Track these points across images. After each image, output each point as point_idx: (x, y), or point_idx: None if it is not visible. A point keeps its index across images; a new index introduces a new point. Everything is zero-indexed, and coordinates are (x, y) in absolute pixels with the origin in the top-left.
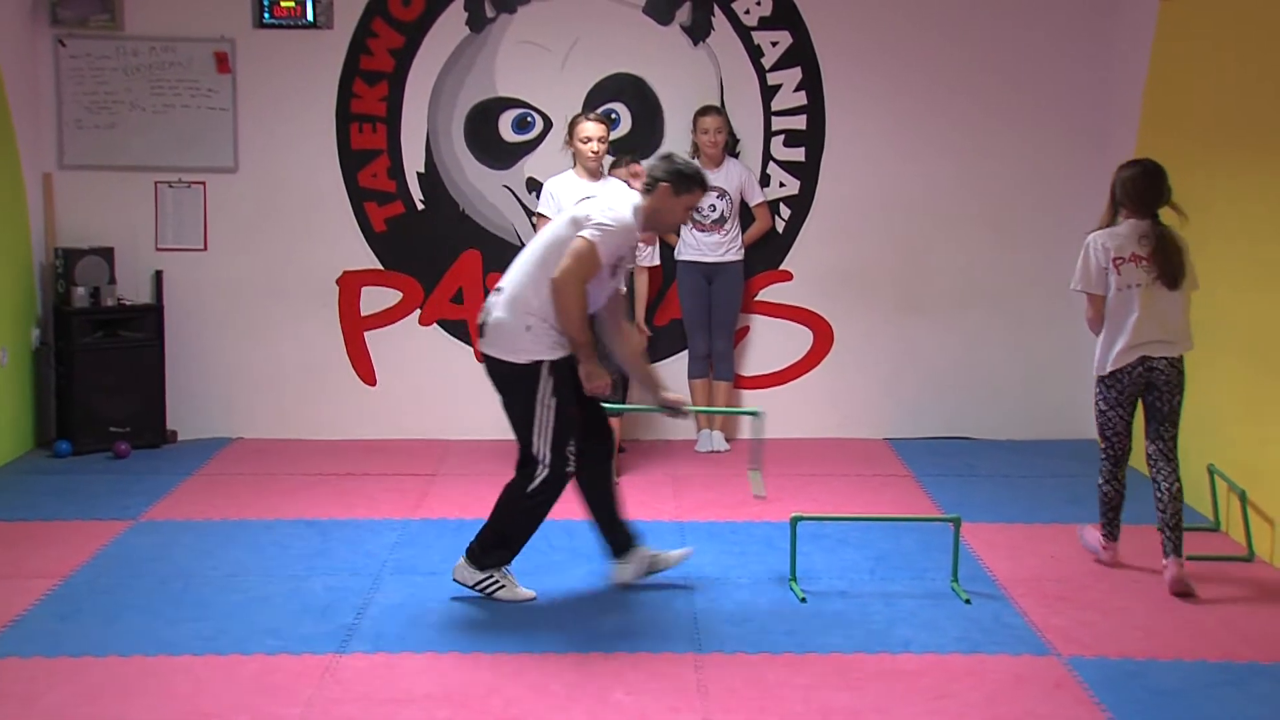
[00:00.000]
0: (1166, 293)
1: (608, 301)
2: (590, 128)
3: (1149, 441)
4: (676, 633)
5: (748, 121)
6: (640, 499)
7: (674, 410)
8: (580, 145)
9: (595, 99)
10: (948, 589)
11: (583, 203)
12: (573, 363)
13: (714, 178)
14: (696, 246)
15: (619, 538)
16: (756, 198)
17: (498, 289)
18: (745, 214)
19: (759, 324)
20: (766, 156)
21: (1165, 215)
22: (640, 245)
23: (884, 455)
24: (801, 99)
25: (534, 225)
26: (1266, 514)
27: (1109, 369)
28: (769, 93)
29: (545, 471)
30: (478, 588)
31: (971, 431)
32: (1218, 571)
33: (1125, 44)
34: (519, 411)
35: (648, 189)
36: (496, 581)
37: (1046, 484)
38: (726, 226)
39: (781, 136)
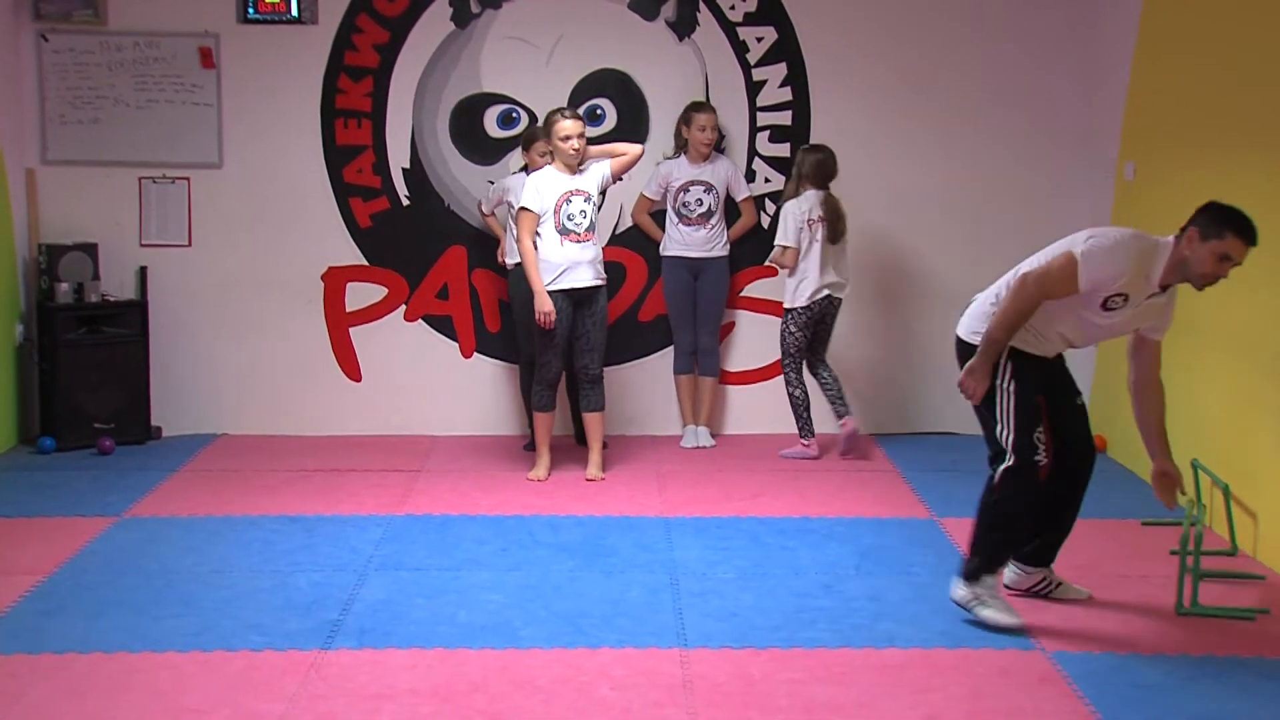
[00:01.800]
0: (832, 246)
1: (1143, 358)
2: (569, 125)
3: (813, 355)
4: (662, 628)
5: (733, 117)
6: (625, 494)
7: (1164, 489)
8: (560, 143)
9: (580, 94)
10: (933, 582)
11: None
12: (1038, 365)
13: (701, 172)
14: (682, 241)
15: (1041, 549)
16: (742, 193)
17: None
18: (731, 210)
19: (744, 320)
20: (752, 152)
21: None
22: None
23: (869, 451)
24: (787, 95)
25: (486, 215)
26: (1249, 508)
27: (803, 303)
28: (754, 88)
29: (1011, 460)
30: (964, 605)
31: (956, 427)
32: (1201, 565)
33: (1108, 45)
34: (981, 400)
35: (1179, 234)
36: (979, 599)
37: None
38: (712, 221)
39: (767, 132)
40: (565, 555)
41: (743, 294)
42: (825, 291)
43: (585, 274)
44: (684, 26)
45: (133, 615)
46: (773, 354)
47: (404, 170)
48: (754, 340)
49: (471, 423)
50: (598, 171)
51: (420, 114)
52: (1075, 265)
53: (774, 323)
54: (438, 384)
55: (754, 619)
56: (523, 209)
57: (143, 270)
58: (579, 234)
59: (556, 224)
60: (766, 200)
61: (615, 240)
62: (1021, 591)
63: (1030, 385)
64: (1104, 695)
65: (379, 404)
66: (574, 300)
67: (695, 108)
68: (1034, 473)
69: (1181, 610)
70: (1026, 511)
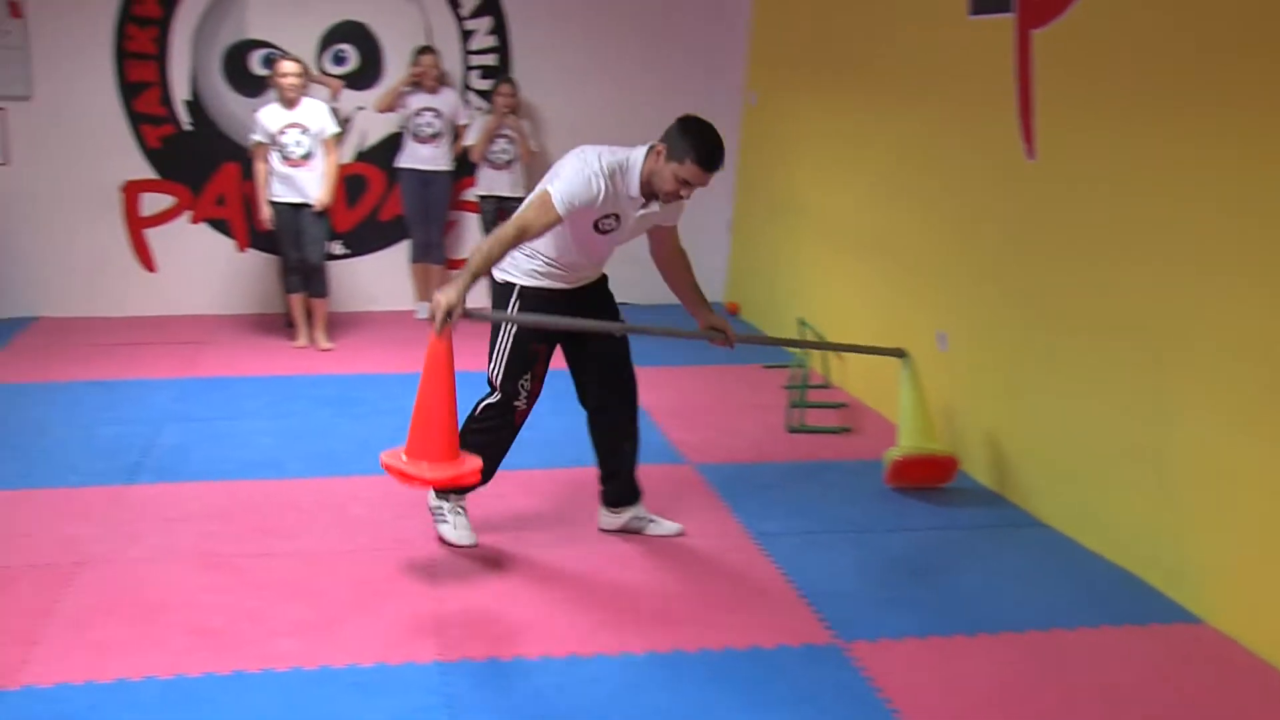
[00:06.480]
0: None
1: (658, 240)
2: (286, 65)
3: None
4: None
5: (450, 59)
6: (370, 356)
7: (717, 338)
8: (280, 80)
9: (329, 41)
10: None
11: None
12: (552, 298)
13: (431, 100)
14: (415, 156)
15: (611, 491)
16: (463, 120)
17: None
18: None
19: (467, 219)
20: (465, 86)
21: None
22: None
23: None
24: (493, 41)
25: (250, 153)
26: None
27: None
28: (466, 36)
29: (494, 396)
30: (431, 512)
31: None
32: (805, 396)
33: None
34: (491, 331)
35: (653, 144)
36: (442, 515)
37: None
38: (440, 141)
39: (477, 71)
40: (323, 406)
41: (465, 197)
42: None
43: (296, 193)
44: None
45: None
46: None
47: (186, 102)
48: (476, 234)
49: (246, 303)
50: (319, 103)
51: (198, 56)
52: (550, 200)
53: None
54: (218, 273)
55: None
56: (254, 142)
57: None
58: (295, 159)
59: (279, 149)
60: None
61: (360, 157)
62: (615, 531)
63: (531, 332)
64: (734, 493)
65: (170, 290)
66: (295, 208)
67: (421, 50)
68: (511, 415)
69: (791, 429)
70: (495, 448)
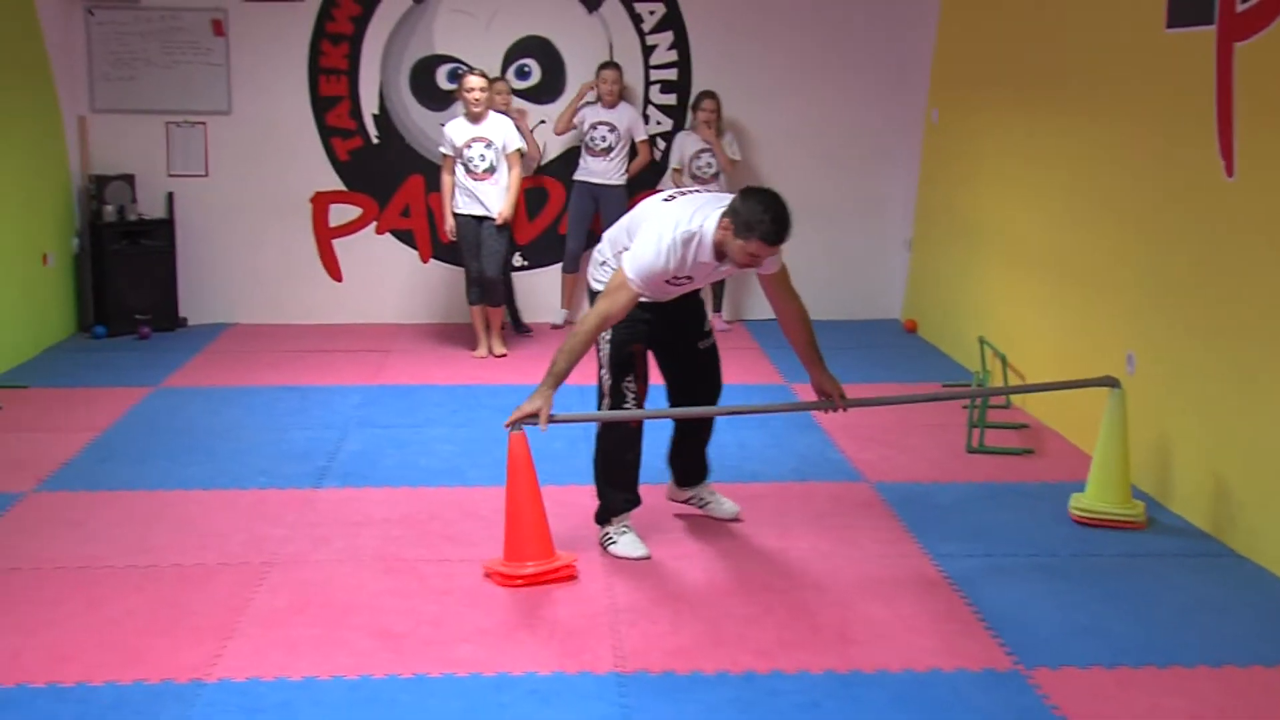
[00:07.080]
0: None
1: (771, 293)
2: (472, 80)
3: None
4: (580, 471)
5: (630, 73)
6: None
7: (826, 401)
8: (465, 95)
9: (512, 55)
10: (784, 430)
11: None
12: (643, 307)
13: (608, 115)
14: (587, 169)
15: (680, 473)
16: (641, 135)
17: None
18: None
19: None
20: (646, 100)
21: None
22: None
23: (739, 333)
24: (673, 56)
25: (441, 164)
26: (1020, 372)
27: None
28: (648, 51)
29: (606, 402)
30: (601, 544)
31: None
32: (985, 416)
33: (919, 13)
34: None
35: (722, 216)
36: (609, 537)
37: (857, 354)
38: (612, 155)
39: (658, 85)
40: (503, 415)
41: None
42: None
43: (479, 206)
44: (593, 2)
45: (167, 462)
46: None
47: (374, 115)
48: None
49: (429, 313)
50: (503, 117)
51: (386, 71)
52: (625, 282)
53: None
54: (402, 283)
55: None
56: (442, 155)
57: (170, 195)
58: (478, 173)
59: (464, 162)
60: (658, 139)
61: (540, 170)
62: (680, 502)
63: (627, 334)
64: (911, 514)
65: (356, 299)
66: (478, 221)
67: (602, 66)
68: (625, 420)
69: (970, 449)
70: (626, 456)
